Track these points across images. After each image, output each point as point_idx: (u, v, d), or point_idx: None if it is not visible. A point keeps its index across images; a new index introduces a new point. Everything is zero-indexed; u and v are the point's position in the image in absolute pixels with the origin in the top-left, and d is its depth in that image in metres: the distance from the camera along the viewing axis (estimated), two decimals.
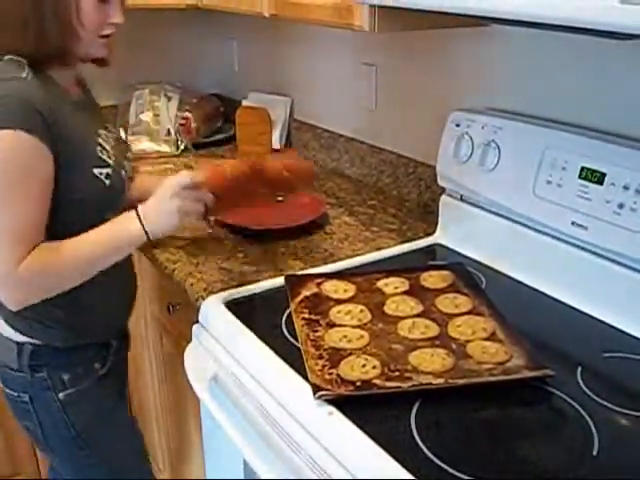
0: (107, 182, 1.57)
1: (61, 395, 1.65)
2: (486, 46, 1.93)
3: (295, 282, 1.64)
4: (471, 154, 1.80)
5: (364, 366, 1.31)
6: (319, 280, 1.65)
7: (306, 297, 1.58)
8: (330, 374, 1.29)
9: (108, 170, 1.57)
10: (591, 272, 1.56)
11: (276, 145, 2.85)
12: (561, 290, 1.60)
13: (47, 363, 1.64)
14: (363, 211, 2.21)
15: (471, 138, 1.81)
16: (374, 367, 1.31)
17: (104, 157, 1.57)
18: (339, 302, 1.56)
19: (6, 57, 1.47)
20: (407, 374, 1.29)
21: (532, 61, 1.80)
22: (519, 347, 1.36)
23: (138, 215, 1.52)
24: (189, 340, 1.63)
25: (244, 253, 1.90)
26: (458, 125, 1.85)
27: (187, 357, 1.59)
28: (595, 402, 1.26)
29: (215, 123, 3.09)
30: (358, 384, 1.26)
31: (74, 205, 1.52)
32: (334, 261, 1.84)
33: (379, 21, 1.64)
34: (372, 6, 1.61)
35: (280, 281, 1.66)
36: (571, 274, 1.60)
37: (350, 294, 1.59)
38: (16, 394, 1.66)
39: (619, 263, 1.51)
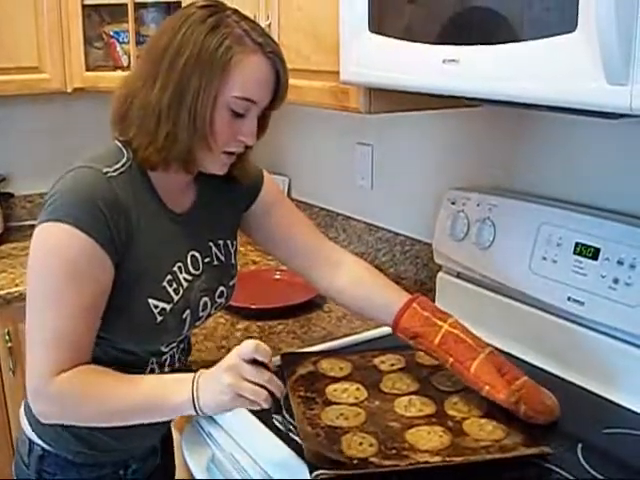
0: (159, 319, 1.35)
1: None
2: (480, 125, 1.97)
3: (291, 360, 1.64)
4: (467, 232, 1.82)
5: (361, 444, 1.30)
6: (315, 358, 1.65)
7: (302, 375, 1.57)
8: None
9: (166, 306, 1.36)
10: (589, 347, 1.56)
11: None
12: (559, 366, 1.60)
13: (54, 473, 1.46)
14: None
15: (467, 216, 1.83)
16: (371, 445, 1.30)
17: (169, 290, 1.36)
18: (335, 380, 1.55)
19: (119, 142, 1.36)
20: (404, 452, 1.28)
21: (525, 140, 1.84)
22: (516, 424, 1.36)
23: (194, 382, 1.25)
24: (187, 420, 1.62)
25: (242, 332, 1.90)
26: (454, 203, 1.88)
27: (185, 438, 1.58)
28: (597, 479, 1.24)
29: None
30: (355, 462, 1.25)
31: (109, 323, 1.32)
32: (332, 339, 1.84)
33: (374, 103, 1.68)
34: (367, 88, 1.65)
35: (278, 360, 1.65)
36: (569, 349, 1.60)
37: (346, 372, 1.59)
38: None
39: (616, 338, 1.51)
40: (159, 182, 1.38)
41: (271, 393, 1.21)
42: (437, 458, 1.26)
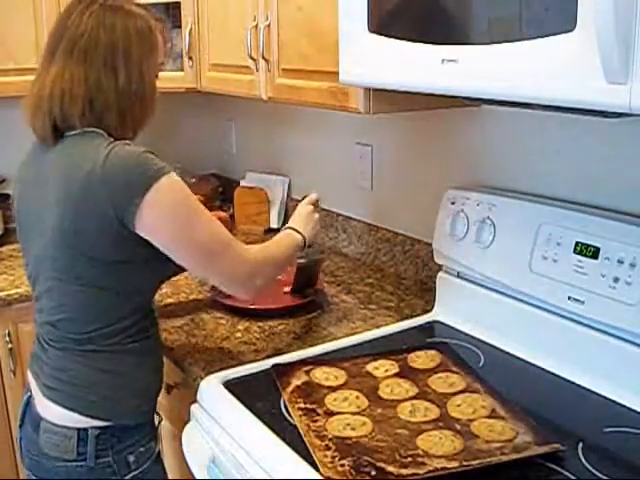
0: None
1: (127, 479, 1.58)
2: (480, 125, 1.97)
3: (283, 371, 1.61)
4: (467, 231, 1.82)
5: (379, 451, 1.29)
6: (307, 368, 1.62)
7: (297, 386, 1.54)
8: (342, 465, 1.26)
9: None
10: (589, 346, 1.56)
11: (274, 224, 2.87)
12: (560, 365, 1.60)
13: (112, 446, 1.56)
14: (361, 289, 2.22)
15: (466, 215, 1.83)
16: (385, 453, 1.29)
17: None
18: (332, 389, 1.53)
19: (88, 130, 1.55)
20: (419, 459, 1.27)
21: (525, 139, 1.84)
22: (523, 423, 1.36)
23: (296, 230, 1.80)
24: (187, 420, 1.62)
25: (242, 332, 1.90)
26: (453, 203, 1.88)
27: (185, 438, 1.58)
28: (597, 478, 1.24)
29: (214, 203, 3.13)
30: (373, 473, 1.23)
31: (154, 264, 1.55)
32: (332, 340, 1.83)
33: (373, 103, 1.68)
34: (367, 89, 1.65)
35: (268, 365, 1.65)
36: (569, 348, 1.59)
37: (342, 380, 1.56)
38: None
39: (616, 337, 1.51)
40: None
41: None
42: (454, 463, 1.25)
